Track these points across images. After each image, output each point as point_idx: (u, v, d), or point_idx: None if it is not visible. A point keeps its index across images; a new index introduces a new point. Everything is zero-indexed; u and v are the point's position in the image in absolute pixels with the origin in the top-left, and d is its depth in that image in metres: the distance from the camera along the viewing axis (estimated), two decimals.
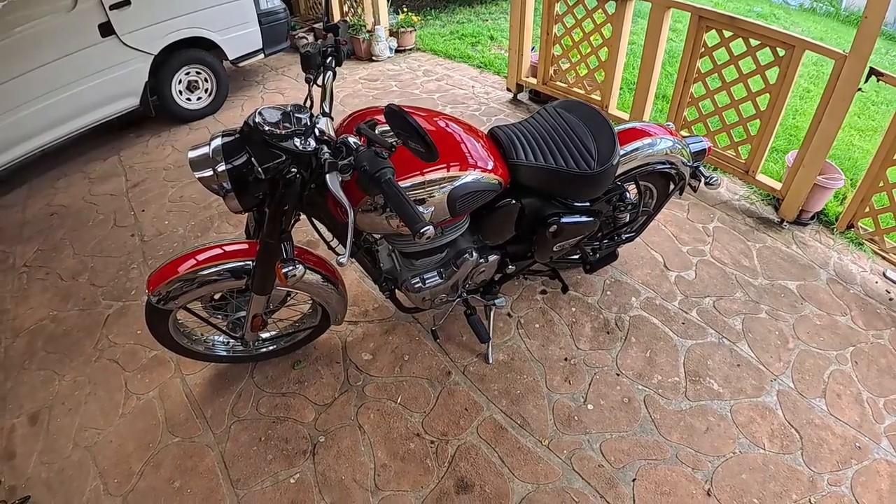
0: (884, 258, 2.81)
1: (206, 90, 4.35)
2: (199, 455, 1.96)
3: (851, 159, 3.85)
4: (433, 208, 1.59)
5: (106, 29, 3.54)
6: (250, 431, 2.03)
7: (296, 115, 1.41)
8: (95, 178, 3.71)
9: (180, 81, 4.15)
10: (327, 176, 1.31)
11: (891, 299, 2.63)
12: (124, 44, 3.65)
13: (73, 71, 3.49)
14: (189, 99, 4.28)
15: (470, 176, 1.63)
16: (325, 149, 1.36)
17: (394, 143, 1.27)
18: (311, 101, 1.61)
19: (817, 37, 6.61)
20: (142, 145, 4.08)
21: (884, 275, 2.77)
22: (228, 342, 2.17)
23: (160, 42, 3.84)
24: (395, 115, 1.23)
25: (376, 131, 1.38)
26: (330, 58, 1.65)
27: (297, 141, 1.36)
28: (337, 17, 5.75)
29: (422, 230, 1.18)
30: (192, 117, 4.33)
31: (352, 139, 1.37)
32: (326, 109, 1.59)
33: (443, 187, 1.59)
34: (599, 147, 1.83)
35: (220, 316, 2.01)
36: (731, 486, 1.86)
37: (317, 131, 1.41)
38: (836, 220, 3.00)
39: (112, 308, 2.61)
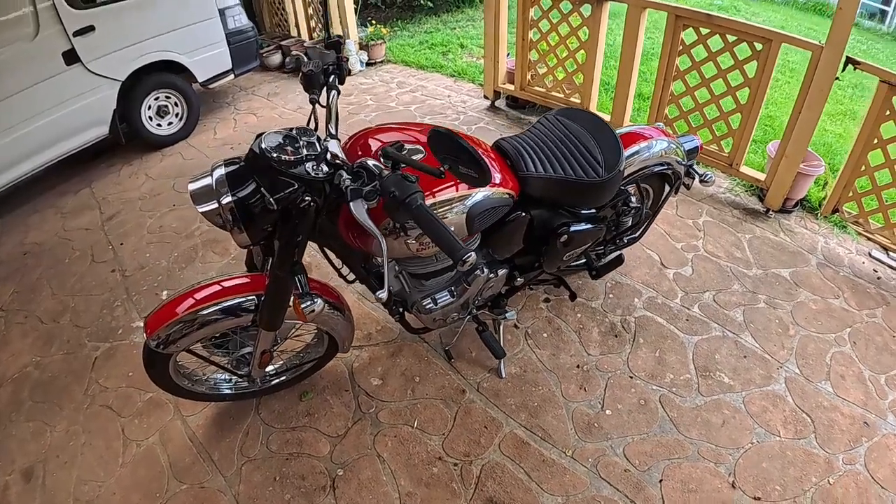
0: (869, 239, 2.89)
1: (176, 114, 4.22)
2: (212, 501, 1.87)
3: (826, 144, 3.97)
4: (452, 228, 1.54)
5: (70, 56, 3.41)
6: (263, 471, 1.95)
7: (303, 138, 1.35)
8: (68, 212, 3.55)
9: (150, 107, 4.02)
10: (351, 204, 1.24)
11: (879, 278, 2.71)
12: (90, 71, 3.52)
13: (39, 102, 3.34)
14: (160, 124, 4.14)
15: (481, 193, 1.59)
16: (345, 174, 1.30)
17: (441, 169, 1.20)
18: (316, 123, 1.55)
19: (778, 26, 6.82)
20: (114, 175, 3.93)
21: (869, 255, 2.85)
22: (231, 379, 2.08)
23: (127, 67, 3.72)
24: (442, 137, 1.17)
25: (404, 153, 1.31)
26: (332, 76, 1.59)
27: (308, 167, 1.30)
28: (305, 34, 5.67)
29: (465, 258, 1.11)
30: (164, 143, 4.20)
31: (371, 162, 1.30)
32: (333, 131, 1.52)
33: (454, 207, 1.55)
34: (605, 153, 1.82)
35: (221, 353, 1.92)
36: (753, 476, 1.88)
37: (328, 155, 1.35)
38: (819, 206, 3.08)
39: (99, 350, 2.48)
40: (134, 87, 3.83)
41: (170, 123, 4.20)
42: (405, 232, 1.49)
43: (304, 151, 1.31)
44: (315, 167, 1.30)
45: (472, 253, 1.11)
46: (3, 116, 3.22)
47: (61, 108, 3.47)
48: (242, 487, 1.90)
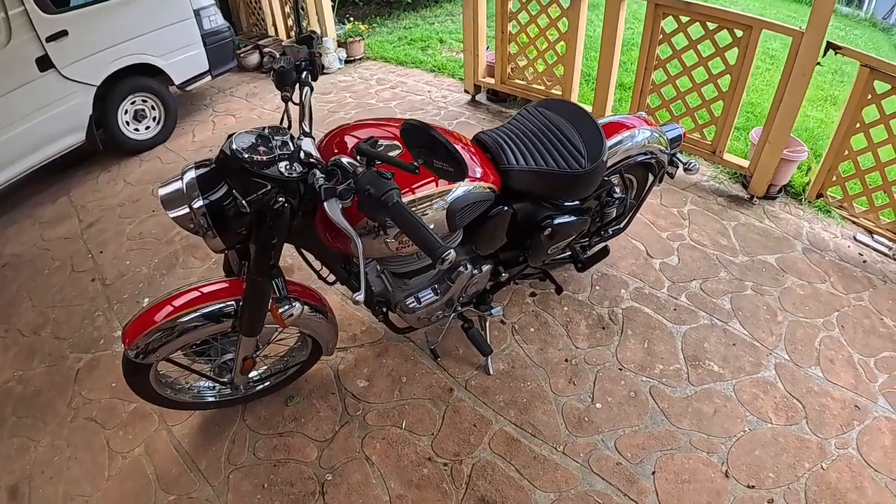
0: (854, 223, 2.90)
1: (154, 118, 4.14)
2: None
3: (808, 129, 3.98)
4: (433, 226, 1.51)
5: (44, 63, 3.32)
6: (251, 479, 1.91)
7: (275, 137, 1.31)
8: (46, 222, 3.47)
9: (126, 111, 3.93)
10: (325, 203, 1.20)
11: (864, 261, 2.72)
12: (65, 77, 3.44)
13: (12, 111, 3.25)
14: (137, 129, 4.06)
15: (461, 188, 1.57)
16: (318, 173, 1.26)
17: (415, 164, 1.16)
18: (290, 121, 1.51)
19: (757, 13, 6.86)
20: (92, 182, 3.85)
21: (854, 238, 2.86)
22: (215, 386, 2.04)
23: (102, 72, 3.63)
24: (416, 130, 1.13)
25: (380, 148, 1.28)
26: (305, 72, 1.55)
27: (281, 166, 1.26)
28: (282, 33, 5.60)
29: (443, 255, 1.07)
30: (142, 148, 4.11)
31: (345, 160, 1.26)
32: (307, 129, 1.47)
33: (434, 203, 1.52)
34: (587, 144, 1.80)
35: (202, 361, 1.88)
36: (746, 465, 1.88)
37: (301, 154, 1.31)
38: (803, 191, 3.09)
39: (81, 361, 2.43)
40: (110, 92, 3.74)
41: (147, 128, 4.11)
42: (384, 231, 1.46)
43: (277, 151, 1.27)
44: (288, 167, 1.27)
45: (452, 250, 1.08)
46: None
47: (36, 115, 3.38)
48: (231, 496, 1.87)
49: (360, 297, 1.15)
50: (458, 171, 1.12)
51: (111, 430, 2.12)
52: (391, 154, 1.23)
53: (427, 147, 1.13)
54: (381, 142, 1.36)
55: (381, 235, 1.47)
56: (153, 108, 4.10)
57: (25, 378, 2.38)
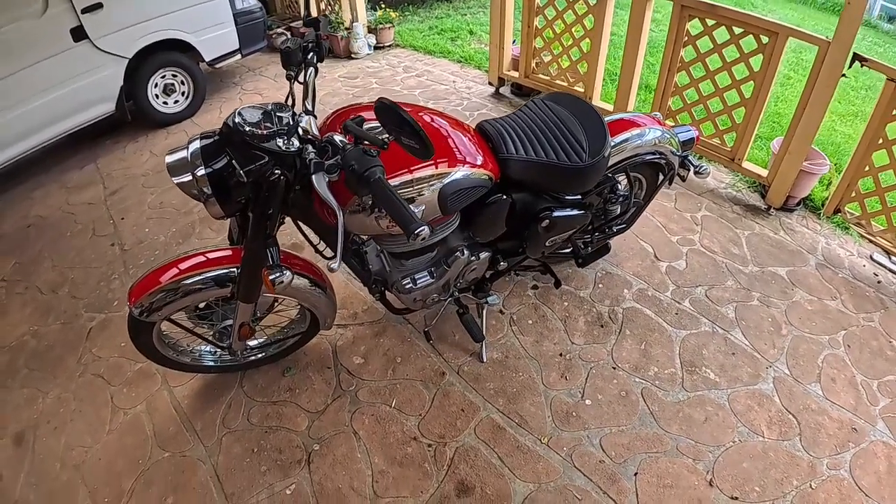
0: (871, 241, 2.82)
1: (182, 93, 4.25)
2: (191, 469, 1.91)
3: (834, 144, 3.89)
4: (424, 207, 1.54)
5: (78, 33, 3.44)
6: (242, 443, 1.98)
7: (277, 113, 1.36)
8: (73, 187, 3.60)
9: (156, 85, 4.05)
10: (313, 177, 1.26)
11: (879, 282, 2.65)
12: (98, 48, 3.55)
13: (46, 78, 3.38)
14: (166, 102, 4.17)
15: (459, 172, 1.59)
16: (310, 148, 1.31)
17: (385, 139, 1.21)
18: (293, 100, 1.56)
19: (794, 24, 6.70)
20: (119, 151, 3.98)
21: (871, 258, 2.79)
22: (216, 352, 2.12)
23: (135, 45, 3.74)
24: (387, 110, 1.17)
25: (364, 128, 1.33)
26: (311, 53, 1.60)
27: (279, 141, 1.31)
28: (314, 14, 5.66)
29: (416, 231, 1.12)
30: (170, 121, 4.23)
31: (338, 137, 1.32)
32: (309, 107, 1.53)
33: (432, 185, 1.55)
34: (590, 139, 1.80)
35: (205, 325, 1.95)
36: (732, 476, 1.85)
37: (300, 130, 1.36)
38: (823, 206, 3.02)
39: (94, 321, 2.53)
40: (141, 65, 3.85)
41: (176, 102, 4.23)
42: (379, 209, 1.50)
43: (277, 126, 1.32)
44: (286, 142, 1.32)
45: (425, 227, 1.12)
46: (11, 91, 3.25)
47: (68, 84, 3.50)
48: (221, 458, 1.93)
49: (335, 265, 1.20)
50: (423, 150, 1.15)
51: (116, 386, 2.21)
52: (377, 134, 1.27)
53: (397, 125, 1.16)
54: (366, 120, 1.41)
55: (375, 213, 1.51)
56: (182, 82, 4.21)
57: (40, 333, 2.49)
